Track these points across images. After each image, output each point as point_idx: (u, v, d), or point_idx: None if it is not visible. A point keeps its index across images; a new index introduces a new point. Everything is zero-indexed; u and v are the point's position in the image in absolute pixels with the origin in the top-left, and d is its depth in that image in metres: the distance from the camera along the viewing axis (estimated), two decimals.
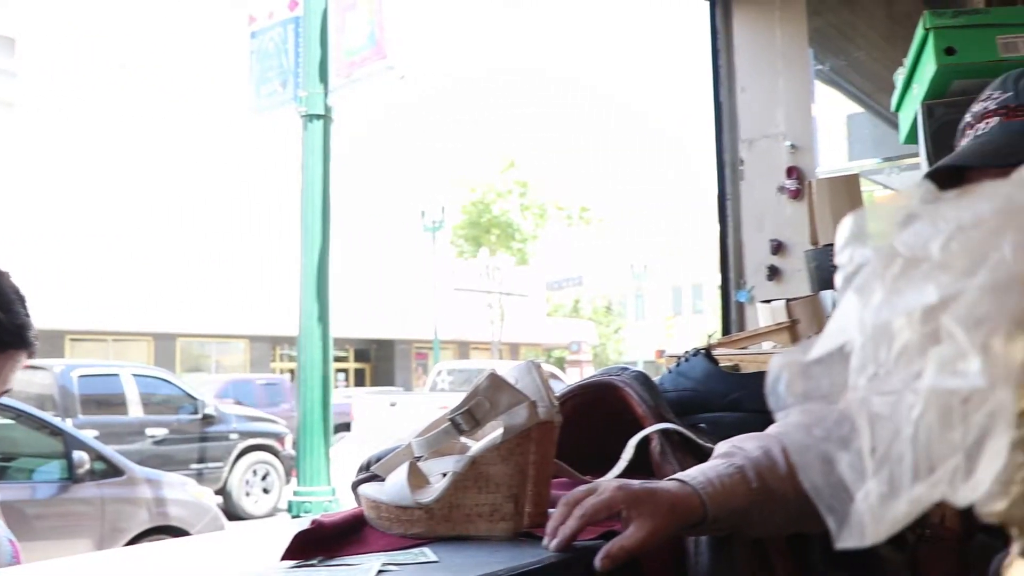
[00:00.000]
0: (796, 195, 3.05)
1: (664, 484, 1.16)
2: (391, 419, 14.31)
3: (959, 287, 0.63)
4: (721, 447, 1.30)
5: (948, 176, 1.49)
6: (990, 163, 1.44)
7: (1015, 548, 0.69)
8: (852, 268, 0.73)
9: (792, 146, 3.15)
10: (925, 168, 2.62)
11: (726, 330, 3.29)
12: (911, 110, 2.74)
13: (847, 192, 2.55)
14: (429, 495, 1.24)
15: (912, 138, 2.76)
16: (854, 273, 0.72)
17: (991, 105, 1.55)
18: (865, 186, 3.90)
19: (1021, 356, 0.62)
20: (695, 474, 1.18)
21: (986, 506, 0.69)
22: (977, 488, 0.67)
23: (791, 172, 3.11)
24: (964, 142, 1.59)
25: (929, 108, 2.61)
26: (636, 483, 1.14)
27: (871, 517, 0.69)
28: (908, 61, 2.73)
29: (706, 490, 1.15)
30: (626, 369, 1.74)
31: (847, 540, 0.71)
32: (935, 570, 1.40)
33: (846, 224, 0.75)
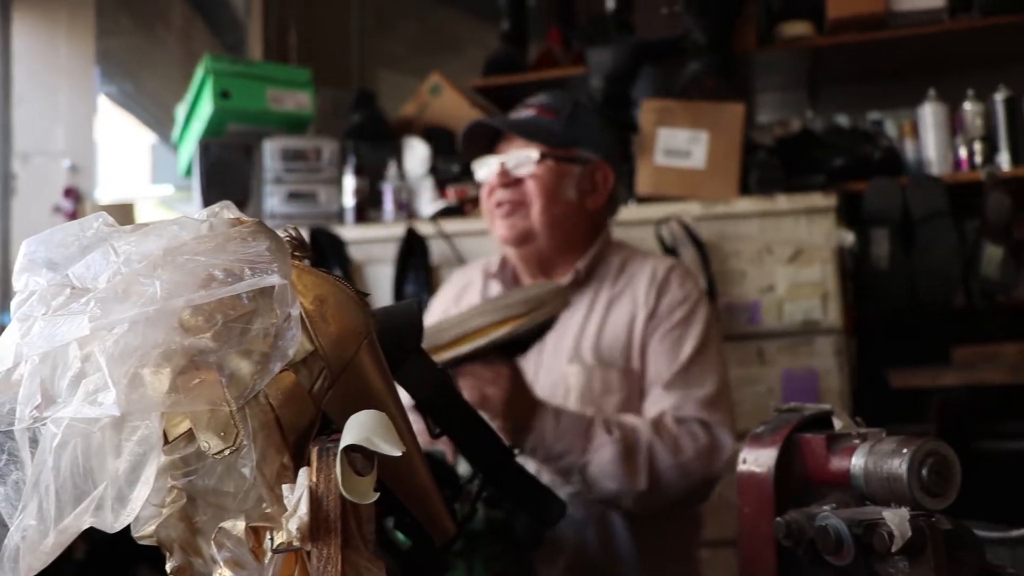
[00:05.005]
0: (72, 216, 2.94)
1: None
2: None
3: (113, 320, 0.65)
4: None
5: None
6: None
7: (168, 567, 0.73)
8: (25, 295, 0.72)
9: (72, 166, 3.04)
10: (199, 203, 2.72)
11: None
12: (190, 145, 2.82)
13: (122, 219, 2.52)
14: None
15: (191, 171, 2.84)
16: (25, 300, 0.71)
17: None
18: (168, 212, 3.93)
19: (166, 386, 0.66)
20: None
21: (140, 530, 0.72)
22: (131, 513, 0.69)
23: (68, 193, 2.99)
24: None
25: (205, 146, 2.71)
26: None
27: (26, 549, 0.68)
28: (189, 98, 2.82)
29: None
30: None
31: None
32: None
33: (23, 250, 0.73)
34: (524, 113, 1.80)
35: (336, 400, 0.72)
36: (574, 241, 1.78)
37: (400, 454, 0.60)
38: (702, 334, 1.70)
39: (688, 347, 1.67)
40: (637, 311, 1.71)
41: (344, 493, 0.61)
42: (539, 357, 1.70)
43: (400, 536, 0.99)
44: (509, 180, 1.73)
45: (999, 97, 2.95)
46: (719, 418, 1.62)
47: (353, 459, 0.63)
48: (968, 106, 2.99)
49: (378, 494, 0.63)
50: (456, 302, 1.84)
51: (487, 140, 1.80)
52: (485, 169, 1.78)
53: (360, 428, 0.61)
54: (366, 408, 0.67)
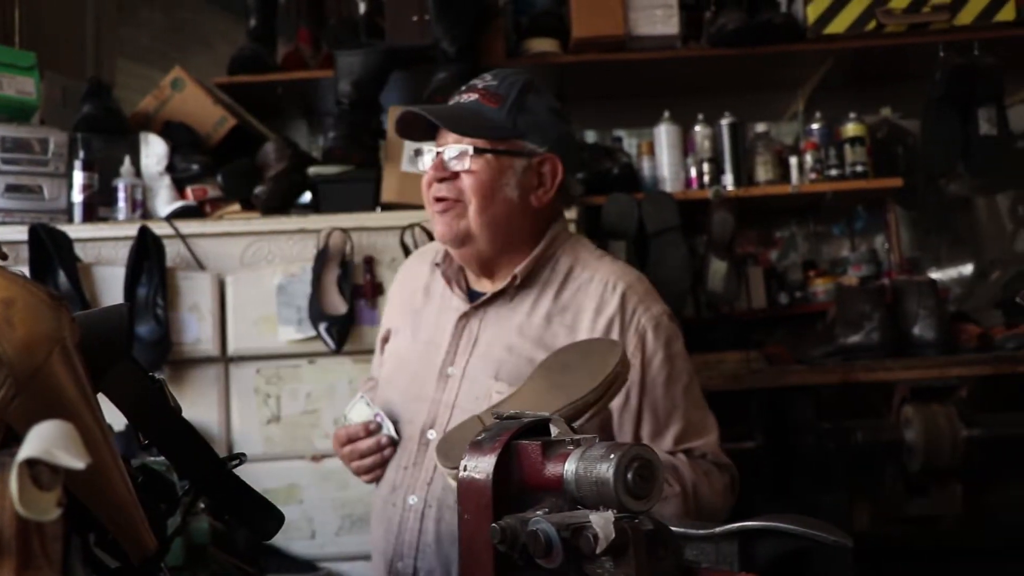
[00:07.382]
0: None
1: None
2: None
3: None
4: None
5: None
6: None
7: None
8: None
9: None
10: None
11: None
12: None
13: None
14: None
15: None
16: None
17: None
18: None
19: None
20: None
21: None
22: None
23: None
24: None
25: None
26: None
27: None
28: None
29: None
30: None
31: None
32: None
33: None
34: (468, 97, 1.65)
35: (23, 410, 0.66)
36: (518, 242, 1.66)
37: (83, 466, 0.56)
38: (685, 371, 1.68)
39: (678, 387, 1.65)
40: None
41: (20, 510, 0.57)
42: (467, 358, 1.64)
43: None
44: (446, 174, 1.60)
45: (724, 122, 3.18)
46: (725, 458, 1.68)
47: (38, 472, 0.59)
48: (698, 129, 3.20)
49: (60, 510, 0.58)
50: (411, 299, 1.79)
51: (428, 122, 1.64)
52: (424, 157, 1.65)
53: (40, 439, 0.57)
54: (57, 419, 0.62)
